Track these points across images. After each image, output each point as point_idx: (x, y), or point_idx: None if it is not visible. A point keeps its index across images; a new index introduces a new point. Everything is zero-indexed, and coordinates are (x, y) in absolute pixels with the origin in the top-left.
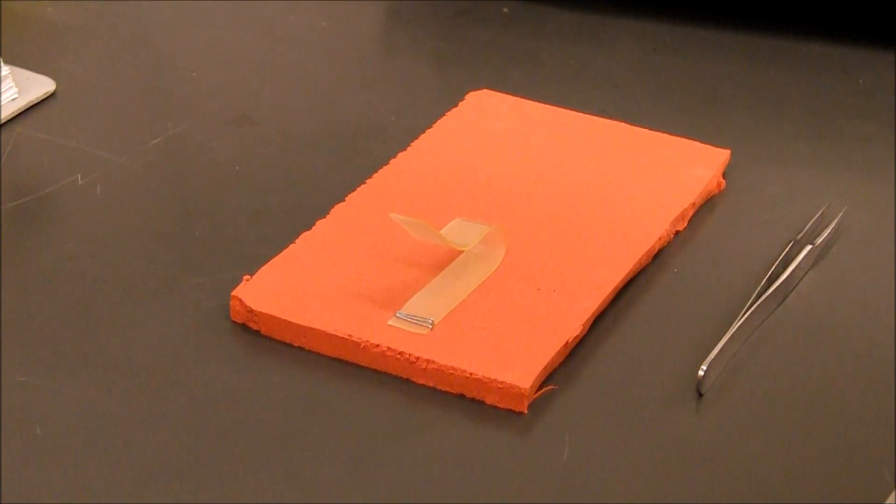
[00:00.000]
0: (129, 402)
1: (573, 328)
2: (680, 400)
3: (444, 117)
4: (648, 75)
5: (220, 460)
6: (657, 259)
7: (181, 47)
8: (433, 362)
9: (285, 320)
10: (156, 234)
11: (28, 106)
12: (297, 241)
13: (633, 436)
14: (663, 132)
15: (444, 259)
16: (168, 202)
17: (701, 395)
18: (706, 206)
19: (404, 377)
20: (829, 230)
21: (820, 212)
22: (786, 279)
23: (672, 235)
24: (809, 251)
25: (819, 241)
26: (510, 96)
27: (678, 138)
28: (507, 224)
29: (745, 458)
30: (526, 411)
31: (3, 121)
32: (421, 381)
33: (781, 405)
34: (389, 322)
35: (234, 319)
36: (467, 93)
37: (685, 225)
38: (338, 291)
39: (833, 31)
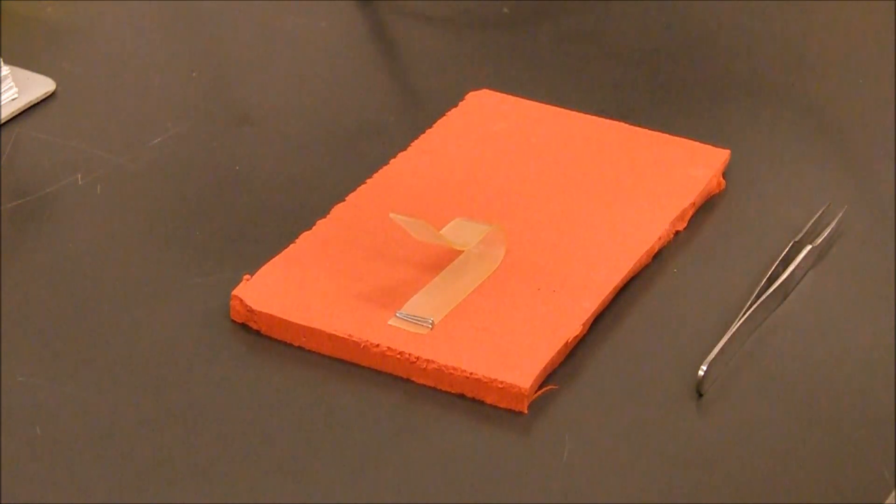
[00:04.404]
0: (129, 402)
1: (573, 328)
2: (680, 400)
3: (444, 117)
4: (648, 75)
5: (220, 460)
6: (657, 259)
7: (181, 47)
8: (433, 362)
9: (285, 320)
10: (156, 234)
11: (28, 106)
12: (297, 241)
13: (633, 436)
14: (663, 132)
15: (444, 259)
16: (168, 202)
17: (701, 395)
18: (706, 206)
19: (404, 377)
20: (829, 230)
21: (820, 212)
22: (786, 279)
23: (672, 235)
24: (809, 251)
25: (819, 241)
26: (510, 96)
27: (678, 138)
28: (507, 224)
29: (745, 458)
30: (526, 411)
31: (3, 121)
32: (421, 381)
33: (781, 405)
34: (389, 322)
35: (234, 319)
36: (467, 93)
37: (685, 225)
38: (338, 291)
39: (832, 32)
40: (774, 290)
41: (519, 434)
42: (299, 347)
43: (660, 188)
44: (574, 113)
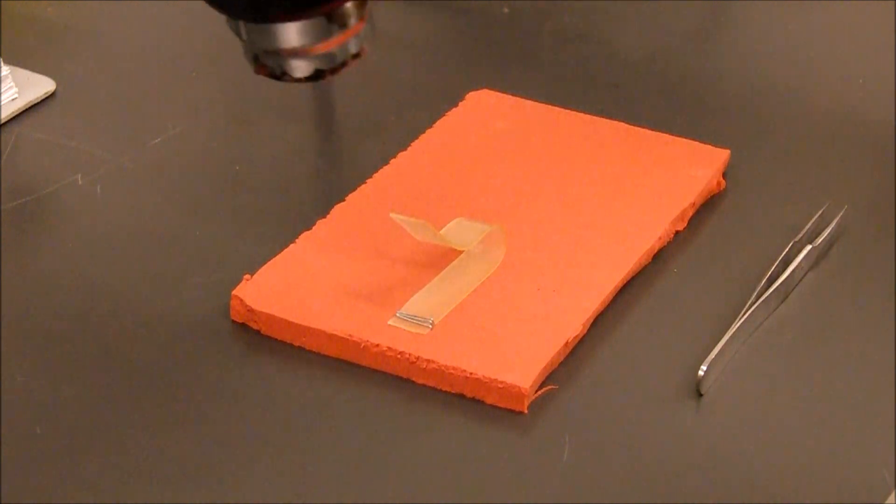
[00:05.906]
0: (129, 401)
1: (573, 328)
2: (680, 400)
3: (444, 117)
4: (648, 75)
5: (219, 460)
6: (657, 259)
7: (181, 47)
8: (433, 362)
9: (285, 320)
10: (156, 234)
11: (28, 106)
12: (297, 241)
13: (633, 436)
14: (663, 132)
15: (444, 259)
16: (168, 202)
17: (701, 395)
18: (706, 206)
19: (404, 377)
20: (829, 230)
21: (820, 212)
22: (786, 279)
23: (672, 235)
24: (809, 251)
25: (819, 241)
26: (510, 96)
27: (678, 138)
28: (507, 224)
29: (745, 458)
30: (526, 411)
31: (3, 121)
32: (421, 381)
33: (781, 405)
34: (389, 322)
35: (234, 319)
36: (467, 93)
37: (685, 225)
38: (338, 291)
39: (832, 32)
40: (774, 290)
41: (519, 434)
42: (299, 347)
43: (660, 188)
44: (574, 113)
